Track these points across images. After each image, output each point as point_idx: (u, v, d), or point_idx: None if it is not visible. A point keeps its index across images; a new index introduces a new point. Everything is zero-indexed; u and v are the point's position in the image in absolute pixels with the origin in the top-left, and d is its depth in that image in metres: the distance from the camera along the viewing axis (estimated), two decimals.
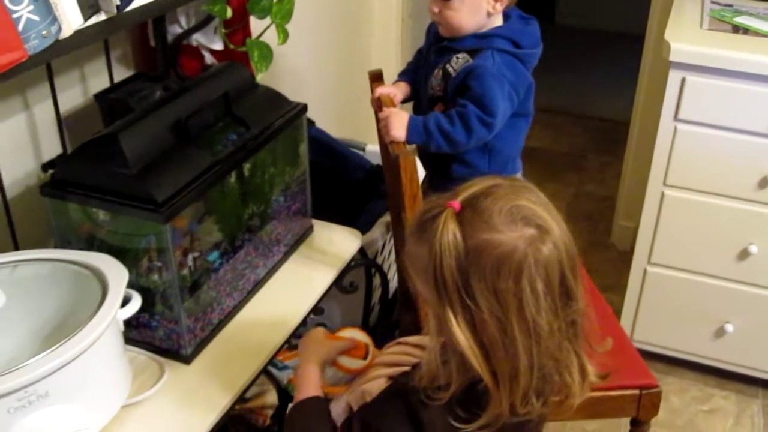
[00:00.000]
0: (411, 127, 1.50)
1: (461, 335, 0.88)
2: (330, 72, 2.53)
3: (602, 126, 3.81)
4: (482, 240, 0.88)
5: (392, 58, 2.76)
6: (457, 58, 1.56)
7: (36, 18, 0.98)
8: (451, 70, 1.56)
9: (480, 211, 0.89)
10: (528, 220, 0.89)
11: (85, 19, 1.07)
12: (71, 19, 1.04)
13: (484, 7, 1.51)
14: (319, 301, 1.51)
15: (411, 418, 0.95)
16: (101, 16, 1.11)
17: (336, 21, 2.49)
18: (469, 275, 0.87)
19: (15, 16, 0.95)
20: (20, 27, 0.96)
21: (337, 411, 1.16)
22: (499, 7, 1.52)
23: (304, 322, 1.46)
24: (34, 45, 0.98)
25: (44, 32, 0.98)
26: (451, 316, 0.88)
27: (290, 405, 1.19)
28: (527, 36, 1.55)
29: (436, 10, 1.54)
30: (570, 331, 0.92)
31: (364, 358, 1.31)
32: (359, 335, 1.36)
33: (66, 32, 1.03)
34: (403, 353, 1.23)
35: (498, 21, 1.57)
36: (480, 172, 1.56)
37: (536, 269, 0.87)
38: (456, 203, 0.91)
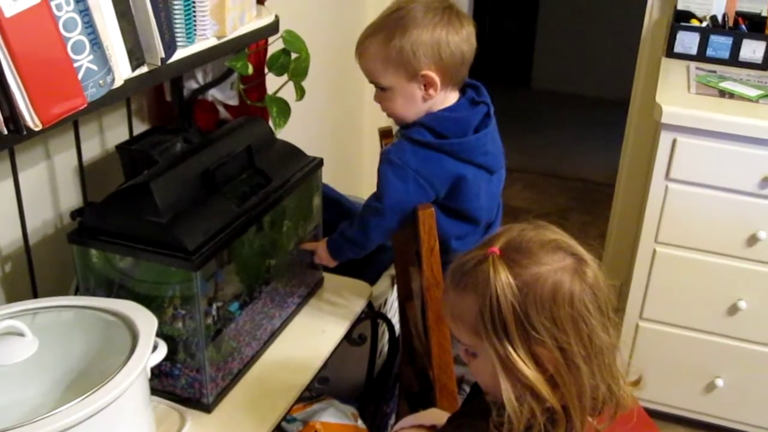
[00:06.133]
0: (330, 250, 1.55)
1: (527, 369, 0.92)
2: (325, 129, 2.59)
3: (582, 186, 3.90)
4: (533, 274, 0.94)
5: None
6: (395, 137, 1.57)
7: (95, 68, 1.01)
8: None
9: (522, 249, 0.96)
10: (566, 251, 0.97)
11: (133, 70, 1.10)
12: (122, 70, 1.08)
13: (418, 95, 1.44)
14: (331, 355, 1.52)
15: None
16: (144, 69, 1.15)
17: (330, 79, 2.55)
18: (527, 309, 0.92)
19: (76, 65, 0.98)
20: (80, 75, 0.99)
21: None
22: (433, 93, 1.44)
23: (315, 379, 1.47)
24: (92, 93, 1.01)
25: (101, 81, 1.01)
26: (514, 353, 0.92)
27: None
28: (457, 125, 1.44)
29: (378, 102, 1.50)
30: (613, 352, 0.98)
31: None
32: None
33: (118, 82, 1.06)
34: None
35: (447, 101, 1.48)
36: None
37: (586, 292, 0.95)
38: (495, 249, 0.96)
